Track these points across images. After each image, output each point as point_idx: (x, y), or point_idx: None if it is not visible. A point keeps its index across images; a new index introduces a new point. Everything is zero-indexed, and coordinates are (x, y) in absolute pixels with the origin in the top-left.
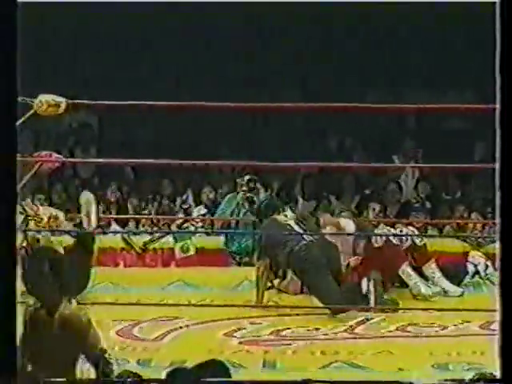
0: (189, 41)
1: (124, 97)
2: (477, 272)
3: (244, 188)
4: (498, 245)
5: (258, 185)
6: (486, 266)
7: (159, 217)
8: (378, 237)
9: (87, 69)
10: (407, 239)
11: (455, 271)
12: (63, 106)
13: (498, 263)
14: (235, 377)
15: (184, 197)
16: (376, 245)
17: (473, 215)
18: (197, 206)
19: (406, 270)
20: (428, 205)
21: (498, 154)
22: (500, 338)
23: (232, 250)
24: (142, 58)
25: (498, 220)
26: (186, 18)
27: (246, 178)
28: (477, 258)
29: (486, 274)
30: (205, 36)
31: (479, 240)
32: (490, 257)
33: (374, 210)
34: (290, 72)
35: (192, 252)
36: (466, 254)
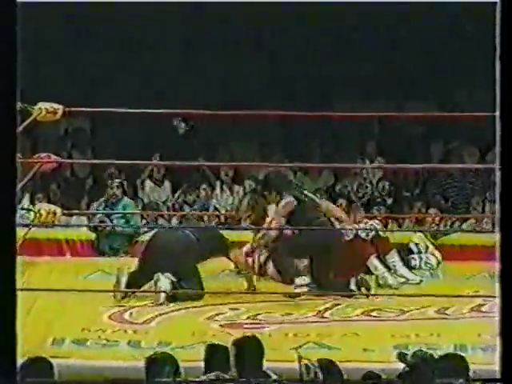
0: (189, 40)
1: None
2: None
3: (114, 191)
4: (498, 244)
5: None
6: (426, 247)
7: (147, 212)
8: (349, 231)
9: (85, 69)
10: (371, 231)
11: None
12: (60, 112)
13: (497, 263)
14: None
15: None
16: (347, 238)
17: (430, 210)
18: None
19: (374, 262)
20: (389, 201)
21: (497, 155)
22: (500, 339)
23: (105, 249)
24: (142, 58)
25: (497, 217)
26: (186, 18)
27: (117, 181)
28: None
29: (433, 254)
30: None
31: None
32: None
33: (341, 205)
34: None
35: None
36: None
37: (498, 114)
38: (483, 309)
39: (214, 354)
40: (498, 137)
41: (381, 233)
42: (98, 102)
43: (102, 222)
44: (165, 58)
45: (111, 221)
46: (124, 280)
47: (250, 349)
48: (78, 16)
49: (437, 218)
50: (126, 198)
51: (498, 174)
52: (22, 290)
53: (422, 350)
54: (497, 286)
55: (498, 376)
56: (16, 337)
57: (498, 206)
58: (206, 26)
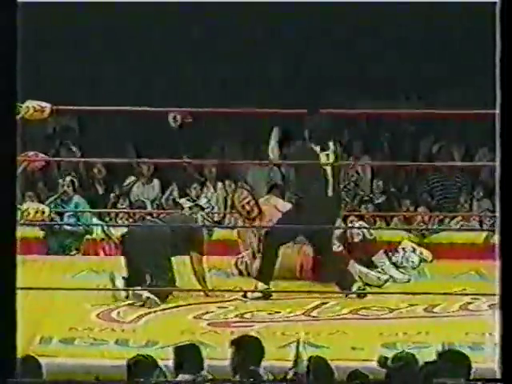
0: (188, 41)
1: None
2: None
3: (65, 188)
4: (497, 244)
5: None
6: (420, 253)
7: (133, 211)
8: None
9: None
10: (358, 233)
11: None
12: (47, 110)
13: (497, 263)
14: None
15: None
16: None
17: (420, 209)
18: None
19: (355, 268)
20: (378, 199)
21: (498, 154)
22: (500, 339)
23: (54, 246)
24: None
25: (498, 215)
26: (186, 18)
27: (68, 179)
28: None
29: (423, 259)
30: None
31: (423, 231)
32: (424, 245)
33: None
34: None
35: None
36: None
37: (497, 112)
38: (470, 307)
39: (185, 355)
40: (497, 135)
41: (368, 235)
42: (98, 101)
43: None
44: (164, 57)
45: (62, 219)
46: (119, 282)
47: (249, 349)
48: (78, 16)
49: (425, 217)
50: (77, 196)
51: (497, 172)
52: (21, 288)
53: (403, 351)
54: (497, 286)
55: (498, 376)
56: (16, 336)
57: (498, 206)
58: (205, 25)
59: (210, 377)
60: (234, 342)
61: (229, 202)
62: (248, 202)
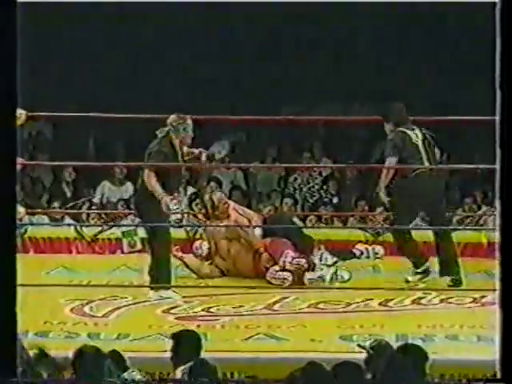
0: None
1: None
2: (362, 253)
3: None
4: (498, 244)
5: None
6: (373, 249)
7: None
8: None
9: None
10: None
11: (344, 255)
12: (23, 117)
13: (497, 271)
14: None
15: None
16: None
17: (379, 209)
18: None
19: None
20: (335, 200)
21: (497, 155)
22: (500, 339)
23: None
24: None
25: (497, 216)
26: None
27: None
28: (361, 247)
29: (376, 253)
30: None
31: (378, 230)
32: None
33: (286, 204)
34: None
35: (139, 246)
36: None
37: (497, 114)
38: (423, 301)
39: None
40: (497, 138)
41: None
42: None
43: None
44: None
45: None
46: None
47: (187, 341)
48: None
49: (381, 217)
50: None
51: (497, 174)
52: (21, 285)
53: (377, 339)
54: (497, 286)
55: (498, 376)
56: (16, 335)
57: (498, 206)
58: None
59: None
60: (173, 336)
61: (208, 202)
62: (224, 204)
